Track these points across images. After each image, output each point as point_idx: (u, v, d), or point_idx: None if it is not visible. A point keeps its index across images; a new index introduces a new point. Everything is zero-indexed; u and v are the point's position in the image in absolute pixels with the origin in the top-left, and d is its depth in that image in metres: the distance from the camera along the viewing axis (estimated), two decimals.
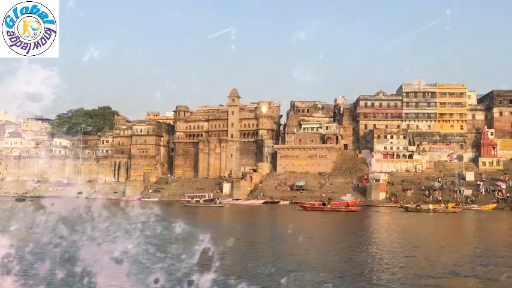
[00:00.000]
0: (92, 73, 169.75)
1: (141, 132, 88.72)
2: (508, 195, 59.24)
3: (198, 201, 60.97)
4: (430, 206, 50.00)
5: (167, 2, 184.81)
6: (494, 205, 55.26)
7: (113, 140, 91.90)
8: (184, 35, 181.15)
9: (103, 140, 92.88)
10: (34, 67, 8.76)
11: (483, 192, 60.60)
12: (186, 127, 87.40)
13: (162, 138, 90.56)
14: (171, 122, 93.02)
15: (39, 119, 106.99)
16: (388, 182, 65.63)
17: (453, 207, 51.09)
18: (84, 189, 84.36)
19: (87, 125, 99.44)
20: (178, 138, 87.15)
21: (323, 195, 63.82)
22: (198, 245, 7.90)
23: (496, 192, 60.00)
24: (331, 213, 45.54)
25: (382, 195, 62.81)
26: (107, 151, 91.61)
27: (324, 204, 50.32)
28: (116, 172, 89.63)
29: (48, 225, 8.20)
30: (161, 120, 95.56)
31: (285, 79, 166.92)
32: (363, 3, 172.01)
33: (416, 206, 49.57)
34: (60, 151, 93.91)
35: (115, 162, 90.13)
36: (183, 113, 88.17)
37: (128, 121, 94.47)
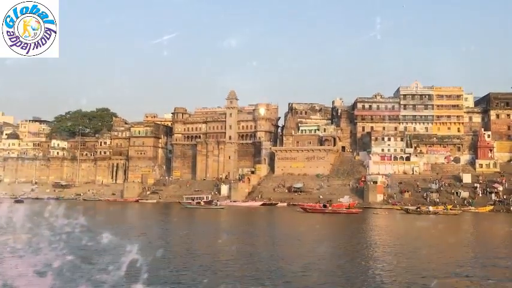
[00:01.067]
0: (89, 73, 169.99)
1: (139, 134, 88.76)
2: (504, 197, 59.45)
3: (199, 202, 61.02)
4: (431, 208, 49.99)
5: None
6: (491, 207, 55.58)
7: (111, 142, 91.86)
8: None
9: (101, 142, 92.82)
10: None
11: (480, 194, 60.77)
12: (184, 129, 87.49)
13: (160, 140, 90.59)
14: (169, 124, 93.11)
15: (37, 121, 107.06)
16: (386, 185, 65.78)
17: (451, 209, 51.33)
18: (82, 190, 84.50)
19: (85, 126, 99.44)
20: (176, 140, 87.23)
21: (321, 197, 63.93)
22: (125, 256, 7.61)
23: (493, 194, 60.28)
24: (332, 215, 45.33)
25: (379, 197, 62.92)
26: (105, 153, 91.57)
27: (324, 206, 50.31)
28: (114, 174, 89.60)
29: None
30: (159, 122, 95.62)
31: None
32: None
33: (417, 208, 49.61)
34: (58, 153, 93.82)
35: (113, 163, 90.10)
36: (181, 115, 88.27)
37: (126, 123, 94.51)
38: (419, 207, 50.23)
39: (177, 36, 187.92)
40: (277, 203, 63.85)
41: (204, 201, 61.56)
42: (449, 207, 52.07)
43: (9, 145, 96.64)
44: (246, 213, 50.57)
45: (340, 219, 40.26)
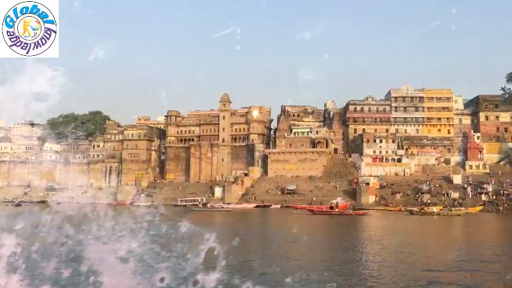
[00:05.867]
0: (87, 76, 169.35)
1: (132, 137, 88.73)
2: (494, 197, 60.46)
3: (205, 204, 61.70)
4: (434, 209, 50.22)
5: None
6: (481, 207, 56.38)
7: (104, 145, 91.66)
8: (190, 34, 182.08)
9: (94, 145, 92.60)
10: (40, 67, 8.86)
11: (470, 195, 61.66)
12: (178, 132, 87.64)
13: (153, 143, 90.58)
14: (162, 127, 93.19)
15: (29, 124, 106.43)
16: (381, 186, 66.40)
17: (440, 209, 51.95)
18: (76, 194, 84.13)
19: (78, 130, 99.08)
20: (169, 142, 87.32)
21: (314, 198, 64.43)
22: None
23: (483, 195, 61.21)
24: (340, 216, 45.00)
25: (371, 199, 63.56)
26: (98, 156, 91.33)
27: (331, 208, 50.32)
28: (107, 177, 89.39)
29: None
30: (152, 125, 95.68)
31: (288, 79, 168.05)
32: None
33: (421, 209, 49.89)
34: (50, 156, 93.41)
35: (106, 167, 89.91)
36: (174, 117, 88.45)
37: (119, 126, 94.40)
38: (422, 208, 50.52)
39: (175, 37, 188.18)
40: (271, 205, 64.24)
41: (211, 205, 62.64)
42: (438, 207, 52.72)
43: (1, 148, 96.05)
44: (247, 214, 50.47)
45: (356, 221, 39.65)
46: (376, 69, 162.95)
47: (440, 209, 51.34)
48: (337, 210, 49.45)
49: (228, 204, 66.64)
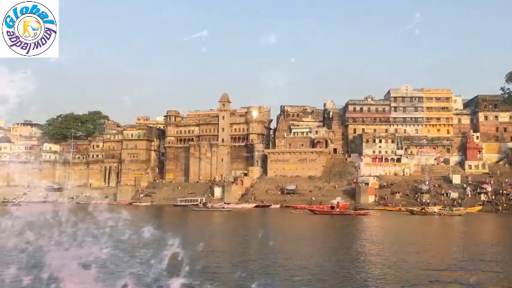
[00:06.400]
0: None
1: (131, 136, 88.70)
2: (493, 197, 60.55)
3: (206, 205, 61.70)
4: (435, 209, 50.10)
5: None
6: (480, 207, 56.43)
7: (103, 145, 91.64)
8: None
9: (93, 145, 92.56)
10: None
11: (469, 195, 61.72)
12: (177, 132, 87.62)
13: (152, 143, 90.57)
14: (162, 127, 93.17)
15: (28, 124, 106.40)
16: (380, 186, 66.45)
17: (440, 209, 51.95)
18: (75, 194, 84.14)
19: (77, 129, 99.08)
20: (169, 142, 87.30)
21: (313, 198, 64.48)
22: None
23: (482, 195, 61.27)
24: (340, 216, 44.94)
25: (371, 199, 63.60)
26: (97, 156, 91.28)
27: (332, 208, 50.40)
28: (107, 177, 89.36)
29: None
30: (152, 125, 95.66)
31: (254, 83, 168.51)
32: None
33: (422, 209, 49.80)
34: (50, 156, 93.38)
35: (106, 167, 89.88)
36: (173, 117, 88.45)
37: (118, 126, 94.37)
38: (424, 208, 50.47)
39: (171, 37, 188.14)
40: (270, 205, 64.26)
41: (211, 205, 62.71)
42: (437, 207, 52.73)
43: (0, 149, 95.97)
44: (249, 215, 50.42)
45: (357, 221, 39.59)
46: (376, 70, 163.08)
47: (440, 209, 51.35)
48: (338, 210, 49.45)
49: (228, 204, 66.69)
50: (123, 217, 8.48)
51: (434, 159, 73.17)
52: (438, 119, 75.96)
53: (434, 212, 48.58)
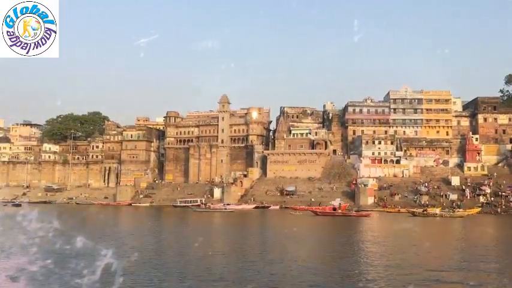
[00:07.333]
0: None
1: (131, 137, 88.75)
2: (492, 199, 60.58)
3: (207, 205, 61.82)
4: (437, 211, 49.79)
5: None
6: (479, 209, 56.37)
7: (103, 146, 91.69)
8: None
9: (93, 146, 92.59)
10: None
11: (468, 197, 61.74)
12: (177, 132, 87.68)
13: (152, 144, 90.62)
14: (161, 128, 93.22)
15: (28, 124, 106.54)
16: (379, 187, 66.50)
17: (440, 210, 51.93)
18: (74, 194, 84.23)
19: (77, 130, 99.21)
20: (168, 143, 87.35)
21: (312, 200, 64.50)
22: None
23: (481, 197, 61.31)
24: (343, 218, 44.71)
25: (370, 200, 63.63)
26: (97, 156, 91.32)
27: (334, 209, 50.36)
28: (106, 177, 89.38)
29: None
30: (151, 126, 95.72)
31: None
32: None
33: (423, 211, 49.64)
34: (49, 156, 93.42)
35: (105, 167, 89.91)
36: (173, 118, 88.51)
37: (118, 126, 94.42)
38: (425, 210, 50.33)
39: (170, 38, 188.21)
40: (270, 206, 64.27)
41: (211, 205, 63.00)
42: (437, 209, 52.74)
43: (0, 149, 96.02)
44: (249, 215, 50.39)
45: (359, 222, 39.48)
46: (376, 70, 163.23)
47: (440, 210, 51.36)
48: (340, 211, 49.51)
49: (228, 205, 66.73)
50: (54, 226, 8.11)
51: (434, 161, 73.26)
52: (437, 120, 76.06)
53: (436, 214, 48.50)
